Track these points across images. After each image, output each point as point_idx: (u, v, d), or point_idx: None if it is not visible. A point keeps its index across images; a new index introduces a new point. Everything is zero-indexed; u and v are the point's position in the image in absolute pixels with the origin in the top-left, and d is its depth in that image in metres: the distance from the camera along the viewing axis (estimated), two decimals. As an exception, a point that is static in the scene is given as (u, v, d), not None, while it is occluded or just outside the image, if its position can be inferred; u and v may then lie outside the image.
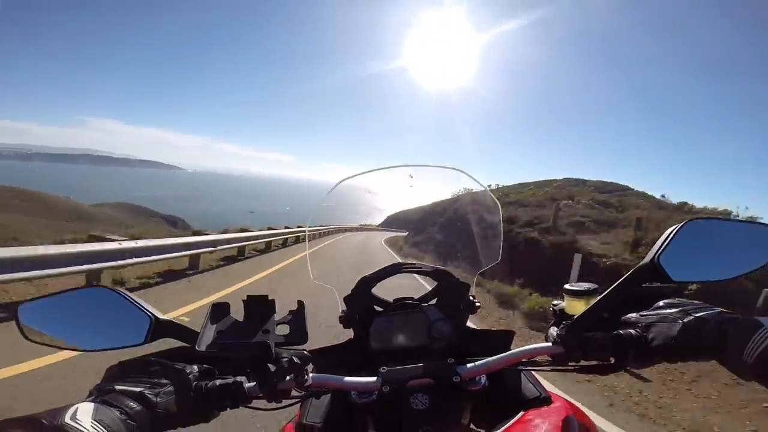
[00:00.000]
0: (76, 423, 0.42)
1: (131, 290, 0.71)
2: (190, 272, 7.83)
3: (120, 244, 6.12)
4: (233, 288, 6.99)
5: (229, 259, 10.17)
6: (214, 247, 9.01)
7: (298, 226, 16.56)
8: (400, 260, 1.10)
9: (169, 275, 7.29)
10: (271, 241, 13.76)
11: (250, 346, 0.56)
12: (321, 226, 19.48)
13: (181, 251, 7.64)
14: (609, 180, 27.36)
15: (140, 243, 6.57)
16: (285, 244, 15.36)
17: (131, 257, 6.19)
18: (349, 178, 1.05)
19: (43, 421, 0.41)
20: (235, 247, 10.54)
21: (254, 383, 0.59)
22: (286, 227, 16.15)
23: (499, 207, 1.05)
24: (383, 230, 40.55)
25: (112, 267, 5.87)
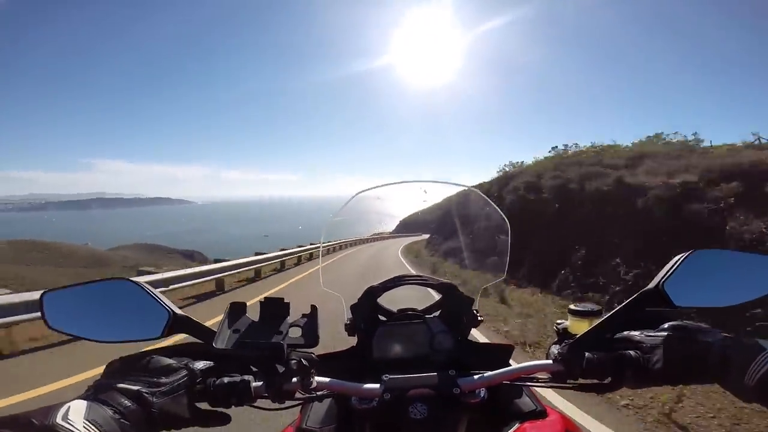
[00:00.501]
0: (68, 423, 0.41)
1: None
2: (219, 292, 9.45)
3: (151, 275, 7.46)
4: (255, 299, 8.22)
5: (249, 280, 11.64)
6: (234, 270, 10.37)
7: (311, 244, 16.94)
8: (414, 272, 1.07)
9: (201, 297, 8.79)
10: (284, 261, 14.32)
11: (264, 346, 0.59)
12: (332, 241, 18.95)
13: (208, 276, 9.23)
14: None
15: (170, 273, 7.99)
16: (299, 262, 15.96)
17: (162, 286, 7.32)
18: (363, 191, 1.07)
19: (34, 420, 0.40)
20: (252, 269, 11.86)
21: (261, 383, 0.60)
22: (299, 246, 16.48)
23: (508, 224, 1.06)
24: (398, 236, 39.02)
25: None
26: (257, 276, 12.14)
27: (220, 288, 9.73)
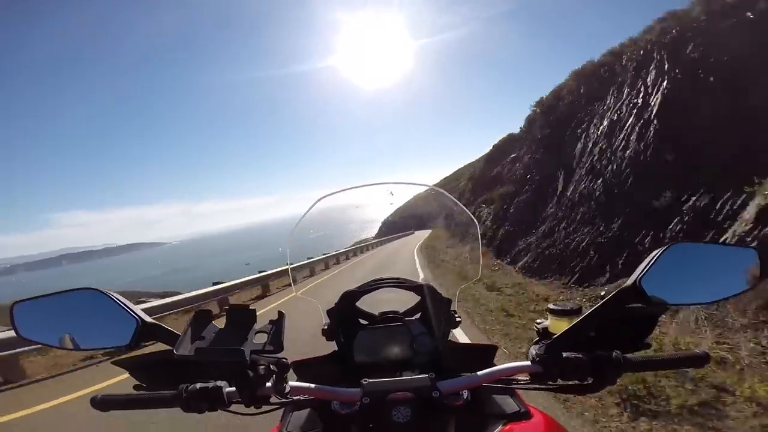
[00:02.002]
0: None
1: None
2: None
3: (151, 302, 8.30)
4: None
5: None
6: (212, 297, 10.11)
7: (288, 264, 15.48)
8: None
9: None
10: (267, 284, 13.12)
11: (224, 353, 0.58)
12: (312, 258, 17.13)
13: (194, 303, 9.02)
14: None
15: (167, 300, 8.76)
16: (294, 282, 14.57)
17: (162, 311, 7.92)
18: (325, 196, 1.06)
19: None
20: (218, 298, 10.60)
21: (234, 389, 0.62)
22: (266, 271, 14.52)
23: (477, 225, 1.05)
24: (384, 240, 36.80)
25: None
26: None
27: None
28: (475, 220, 1.04)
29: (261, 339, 0.63)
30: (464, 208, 1.11)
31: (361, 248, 27.55)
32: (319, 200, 1.04)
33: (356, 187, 1.07)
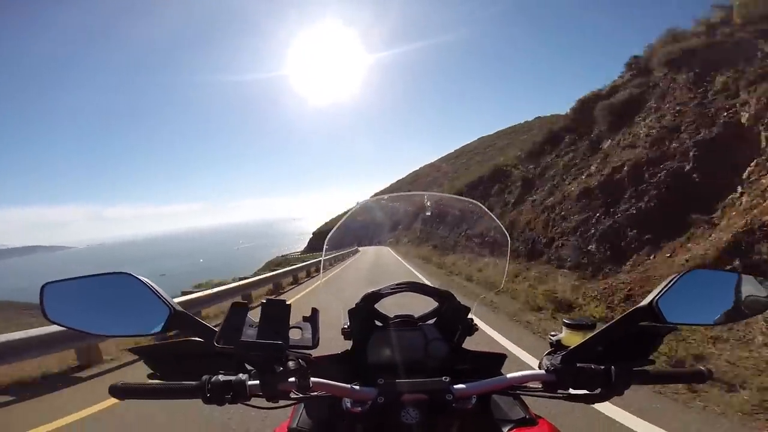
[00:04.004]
0: None
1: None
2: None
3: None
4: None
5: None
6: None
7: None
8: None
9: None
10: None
11: (265, 346, 0.59)
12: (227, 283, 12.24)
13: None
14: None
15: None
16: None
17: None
18: (372, 198, 1.24)
19: None
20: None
21: (256, 382, 0.62)
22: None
23: (509, 240, 1.09)
24: (305, 260, 26.49)
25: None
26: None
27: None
28: (507, 234, 1.09)
29: (295, 334, 0.64)
30: (499, 223, 1.12)
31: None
32: (358, 204, 1.20)
33: (400, 194, 1.97)
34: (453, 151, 67.94)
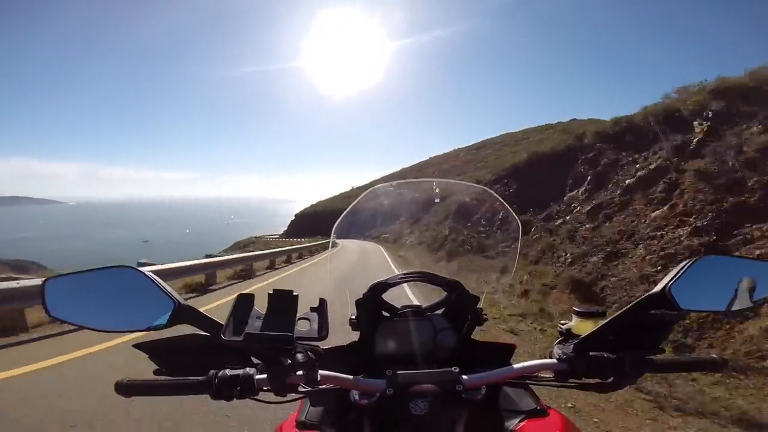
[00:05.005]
0: None
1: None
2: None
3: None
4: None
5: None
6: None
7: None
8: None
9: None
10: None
11: (274, 339, 0.57)
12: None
13: None
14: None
15: None
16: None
17: None
18: (380, 185, 1.11)
19: None
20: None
21: (264, 375, 0.61)
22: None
23: (520, 227, 1.05)
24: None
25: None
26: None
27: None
28: (518, 221, 1.04)
29: (303, 326, 0.62)
30: (510, 209, 1.06)
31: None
32: (371, 190, 1.10)
33: (407, 181, 1.26)
34: (472, 143, 64.26)
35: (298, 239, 33.23)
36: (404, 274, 0.91)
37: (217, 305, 6.89)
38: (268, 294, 0.62)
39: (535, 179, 15.03)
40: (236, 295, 0.64)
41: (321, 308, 0.65)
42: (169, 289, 0.66)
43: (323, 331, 0.62)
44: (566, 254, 10.01)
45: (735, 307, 0.67)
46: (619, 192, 10.10)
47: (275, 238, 41.30)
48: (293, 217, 59.90)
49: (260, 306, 0.63)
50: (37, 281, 5.51)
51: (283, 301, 0.62)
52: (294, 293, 0.63)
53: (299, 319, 0.62)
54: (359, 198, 1.08)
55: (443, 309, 0.92)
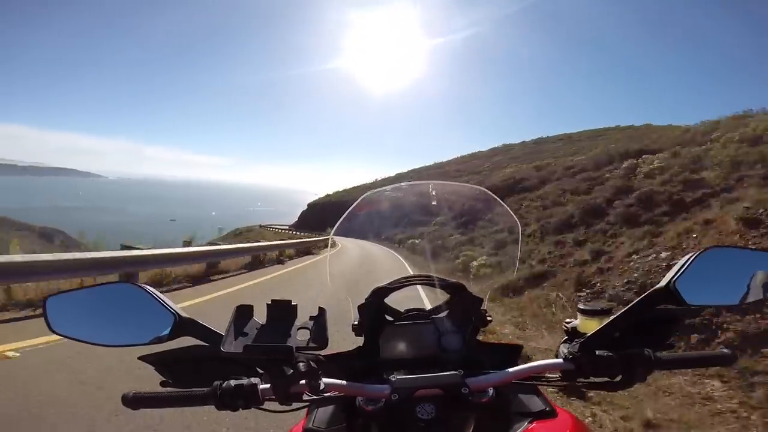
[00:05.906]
0: None
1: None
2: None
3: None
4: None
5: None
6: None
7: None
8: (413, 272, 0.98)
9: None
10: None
11: (273, 349, 0.58)
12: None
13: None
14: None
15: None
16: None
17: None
18: (372, 192, 1.12)
19: None
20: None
21: (268, 385, 0.62)
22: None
23: (519, 226, 1.04)
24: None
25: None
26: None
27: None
28: (518, 223, 1.05)
29: (303, 335, 0.63)
30: (508, 209, 1.06)
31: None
32: (364, 196, 1.10)
33: (400, 185, 1.19)
34: (500, 145, 61.80)
35: (300, 233, 31.52)
36: (406, 277, 0.91)
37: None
38: (267, 304, 0.63)
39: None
40: (234, 306, 0.64)
41: (320, 316, 0.65)
42: (169, 302, 0.67)
43: (323, 340, 0.62)
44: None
45: (746, 300, 0.65)
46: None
47: (283, 229, 40.13)
48: (306, 207, 58.34)
49: (259, 316, 0.63)
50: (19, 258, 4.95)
51: (282, 311, 0.62)
52: (293, 303, 0.63)
53: (300, 328, 0.62)
54: (358, 200, 1.09)
55: (447, 311, 0.91)
